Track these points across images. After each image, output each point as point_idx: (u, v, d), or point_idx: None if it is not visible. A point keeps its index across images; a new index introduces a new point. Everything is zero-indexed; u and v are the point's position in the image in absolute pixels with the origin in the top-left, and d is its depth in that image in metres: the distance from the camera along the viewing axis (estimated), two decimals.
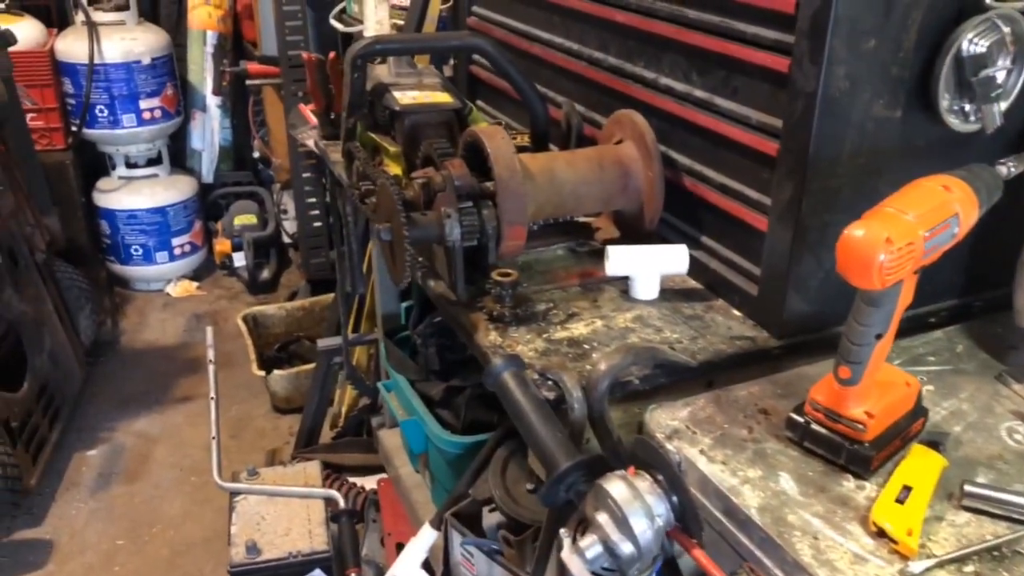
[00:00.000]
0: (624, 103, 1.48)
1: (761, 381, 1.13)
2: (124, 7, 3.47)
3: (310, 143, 3.05)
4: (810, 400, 0.99)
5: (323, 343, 2.31)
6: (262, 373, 2.88)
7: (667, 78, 1.37)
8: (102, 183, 3.70)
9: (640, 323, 1.24)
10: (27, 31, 3.17)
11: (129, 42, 3.43)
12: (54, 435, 2.64)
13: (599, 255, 1.45)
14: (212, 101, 3.95)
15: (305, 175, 3.50)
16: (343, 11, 3.18)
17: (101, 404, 3.02)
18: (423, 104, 1.48)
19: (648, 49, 1.41)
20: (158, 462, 2.76)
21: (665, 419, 1.06)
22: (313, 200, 3.54)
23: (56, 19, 3.69)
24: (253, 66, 3.50)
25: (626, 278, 1.32)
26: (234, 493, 2.16)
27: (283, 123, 3.83)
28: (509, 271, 1.25)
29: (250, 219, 3.87)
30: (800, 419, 0.99)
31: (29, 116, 3.24)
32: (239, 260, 3.86)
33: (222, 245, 3.87)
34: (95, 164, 3.78)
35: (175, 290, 3.80)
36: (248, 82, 3.59)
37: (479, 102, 2.05)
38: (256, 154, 4.18)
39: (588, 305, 1.30)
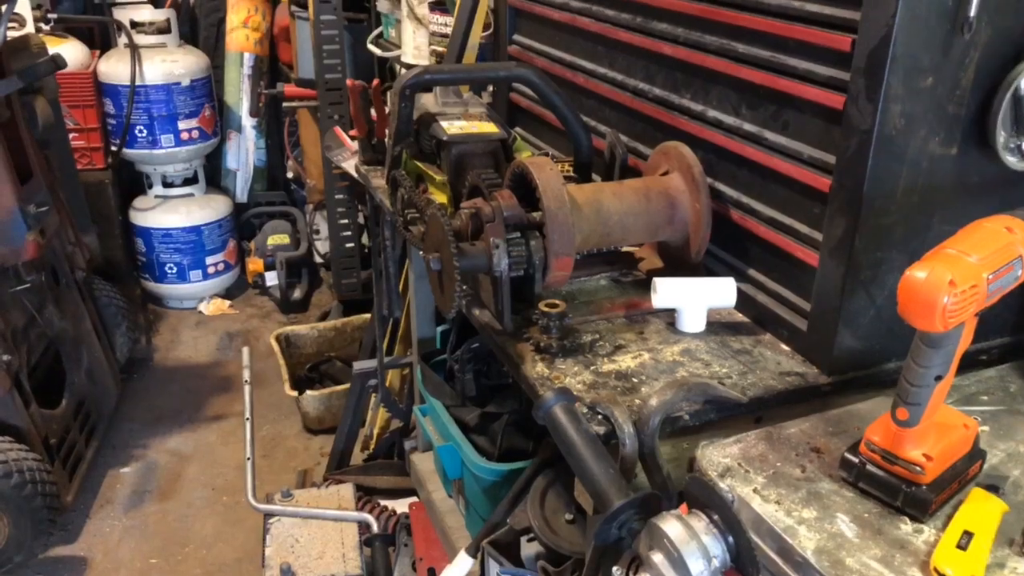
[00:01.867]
0: (670, 134, 1.48)
1: (812, 418, 1.11)
2: (166, 30, 3.53)
3: (348, 167, 3.08)
4: (866, 441, 0.97)
5: (358, 366, 2.32)
6: (295, 393, 2.89)
7: (715, 111, 1.38)
8: (138, 202, 3.76)
9: (688, 357, 1.24)
10: (71, 53, 3.24)
11: (170, 64, 3.49)
12: (90, 452, 2.66)
13: (643, 286, 1.45)
14: (248, 122, 4.00)
15: (338, 196, 3.53)
16: (380, 36, 3.23)
17: (135, 421, 3.04)
18: (470, 134, 1.49)
19: (696, 81, 1.42)
20: (190, 480, 2.77)
21: (717, 456, 1.05)
22: (345, 221, 3.58)
23: (99, 41, 3.77)
24: (290, 88, 3.55)
25: (673, 310, 1.32)
26: (268, 515, 2.16)
27: (317, 144, 3.87)
28: (556, 302, 1.25)
29: (283, 239, 3.91)
30: (855, 459, 0.98)
31: (71, 136, 3.30)
32: (271, 279, 3.89)
33: (255, 264, 3.90)
34: (132, 183, 3.85)
35: (208, 308, 3.84)
36: (285, 104, 3.63)
37: (518, 128, 2.06)
38: (290, 175, 4.23)
39: (635, 337, 1.30)
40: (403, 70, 3.32)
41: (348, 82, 1.98)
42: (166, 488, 2.73)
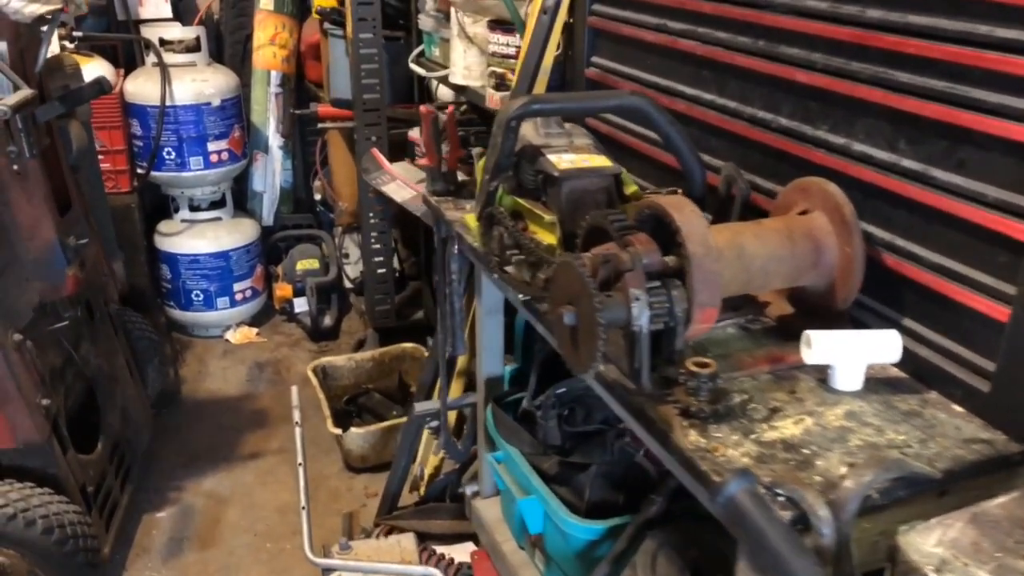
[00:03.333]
0: (799, 168, 1.36)
1: (1014, 495, 0.98)
2: (195, 48, 3.40)
3: (390, 191, 2.95)
4: None
5: (420, 408, 2.18)
6: (338, 431, 2.74)
7: (862, 144, 1.25)
8: (164, 226, 3.62)
9: (855, 421, 1.11)
10: (98, 72, 3.09)
11: (200, 84, 3.36)
12: (125, 497, 2.51)
13: (776, 334, 1.32)
14: (275, 142, 3.87)
15: (373, 220, 3.40)
16: (421, 55, 3.10)
17: (167, 461, 2.89)
18: (583, 168, 1.36)
19: (837, 112, 1.29)
20: (230, 526, 2.62)
21: (924, 545, 0.91)
22: (379, 246, 3.44)
23: (122, 59, 3.63)
24: (324, 108, 3.42)
25: (823, 364, 1.18)
26: (327, 569, 2.02)
27: (347, 165, 3.75)
28: (706, 360, 1.12)
29: (312, 264, 3.77)
30: None
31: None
32: (300, 306, 3.75)
33: (283, 290, 3.76)
34: (155, 207, 3.71)
35: (235, 336, 3.70)
36: (319, 125, 3.50)
37: None
38: (317, 196, 4.09)
39: (788, 397, 1.16)
40: (439, 89, 3.20)
41: (422, 108, 1.85)
42: (205, 535, 2.58)
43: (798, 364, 1.22)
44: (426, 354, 3.21)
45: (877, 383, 1.19)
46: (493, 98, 2.37)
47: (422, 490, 2.58)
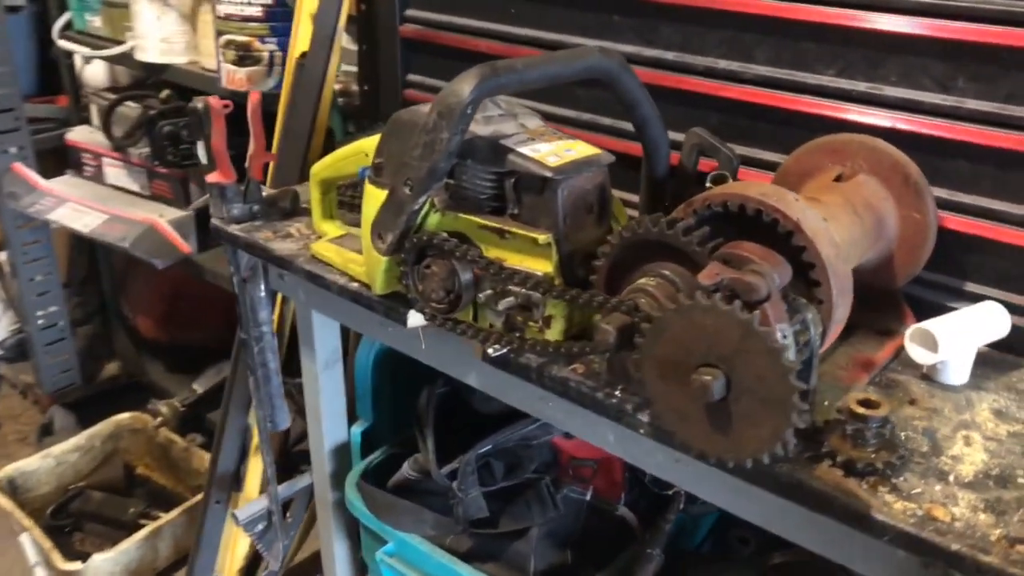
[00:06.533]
0: (790, 126, 1.13)
1: None
2: None
3: (63, 218, 2.16)
4: None
5: (245, 514, 1.56)
6: (76, 566, 1.95)
7: (897, 87, 1.04)
8: None
9: (1015, 422, 0.91)
10: None
11: None
12: None
13: None
14: None
15: (30, 261, 2.52)
16: (69, 27, 2.29)
17: None
18: (573, 162, 0.96)
19: (851, 52, 1.06)
20: None
21: None
22: (43, 293, 2.57)
23: None
24: None
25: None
26: None
27: None
28: (873, 398, 0.83)
29: None
30: None
31: None
32: None
33: None
34: None
35: None
36: None
37: None
38: None
39: (918, 411, 0.93)
40: (84, 71, 2.42)
41: (210, 100, 1.24)
42: None
43: (884, 363, 1.01)
44: (152, 422, 2.47)
45: (974, 368, 1.00)
46: (234, 77, 1.79)
47: None
